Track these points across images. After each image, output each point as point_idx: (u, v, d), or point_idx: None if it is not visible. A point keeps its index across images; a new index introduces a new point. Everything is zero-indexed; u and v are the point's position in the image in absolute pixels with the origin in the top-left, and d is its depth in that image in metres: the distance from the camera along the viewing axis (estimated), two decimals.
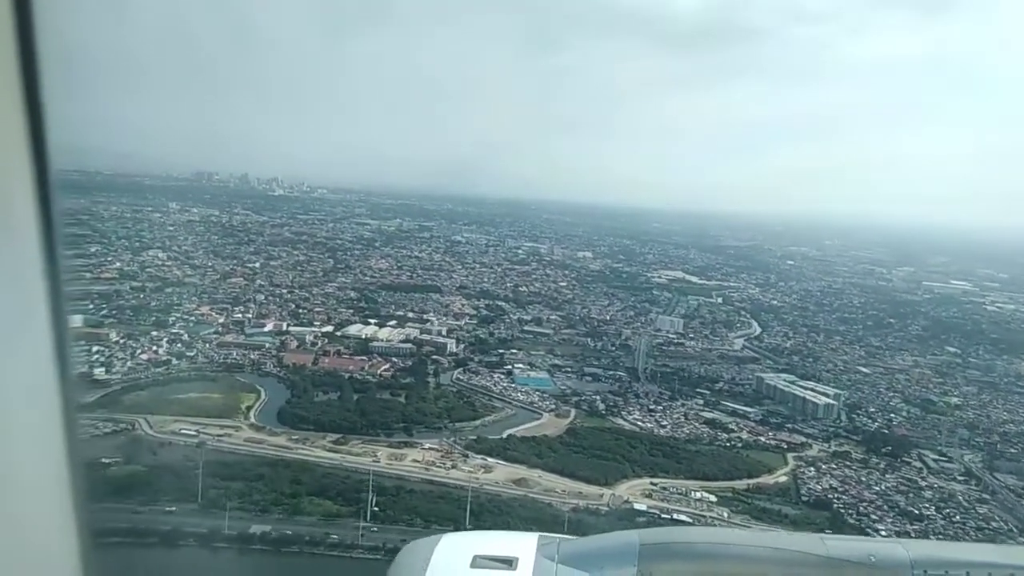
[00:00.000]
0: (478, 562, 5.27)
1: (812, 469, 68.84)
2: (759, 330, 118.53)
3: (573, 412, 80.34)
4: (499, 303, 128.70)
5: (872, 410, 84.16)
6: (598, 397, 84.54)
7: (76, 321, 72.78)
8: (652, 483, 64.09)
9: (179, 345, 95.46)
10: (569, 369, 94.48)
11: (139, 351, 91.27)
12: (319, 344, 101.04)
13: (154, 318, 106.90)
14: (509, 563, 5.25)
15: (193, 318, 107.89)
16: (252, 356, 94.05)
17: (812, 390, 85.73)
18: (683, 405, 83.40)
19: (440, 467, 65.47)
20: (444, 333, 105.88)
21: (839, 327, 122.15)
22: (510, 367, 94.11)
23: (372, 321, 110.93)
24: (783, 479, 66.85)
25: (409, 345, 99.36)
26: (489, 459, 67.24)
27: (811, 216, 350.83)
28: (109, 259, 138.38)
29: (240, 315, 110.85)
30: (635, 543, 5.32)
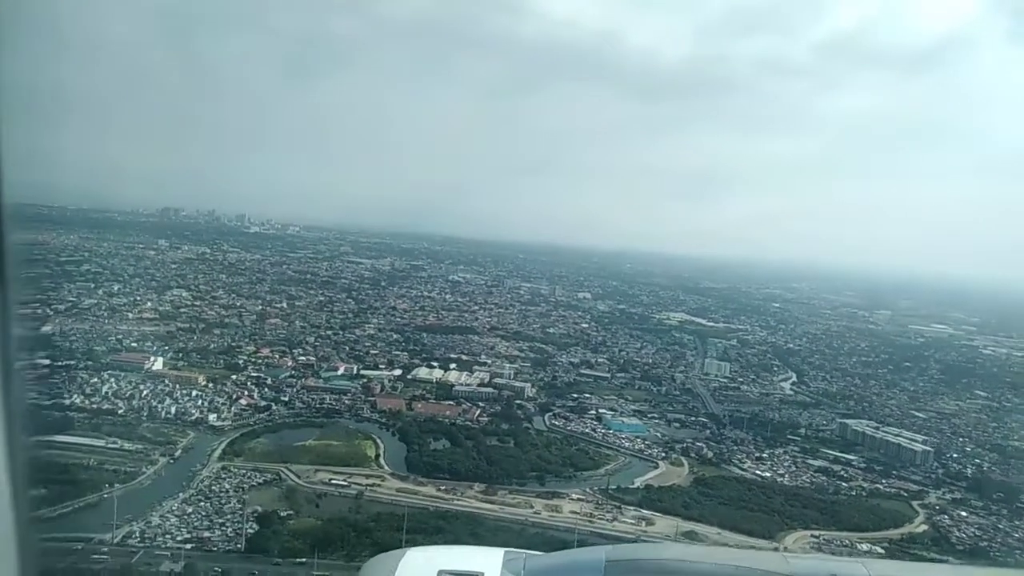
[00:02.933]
0: None
1: (945, 517, 69.16)
2: (793, 374, 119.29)
3: (685, 461, 79.32)
4: (538, 345, 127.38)
5: (955, 455, 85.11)
6: (702, 445, 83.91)
7: (157, 363, 69.64)
8: (813, 535, 63.50)
9: (267, 390, 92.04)
10: (654, 415, 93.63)
11: (235, 396, 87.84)
12: (398, 388, 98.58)
13: (222, 361, 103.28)
14: None
15: (260, 361, 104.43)
16: (345, 401, 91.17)
17: (899, 436, 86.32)
18: (784, 452, 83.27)
19: (601, 519, 63.90)
20: (512, 376, 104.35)
21: (864, 371, 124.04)
22: (593, 412, 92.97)
23: (435, 364, 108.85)
24: (925, 527, 66.94)
25: (489, 389, 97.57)
26: (642, 510, 65.93)
27: (768, 260, 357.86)
28: (137, 299, 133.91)
29: (303, 358, 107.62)
30: (601, 560, 5.13)
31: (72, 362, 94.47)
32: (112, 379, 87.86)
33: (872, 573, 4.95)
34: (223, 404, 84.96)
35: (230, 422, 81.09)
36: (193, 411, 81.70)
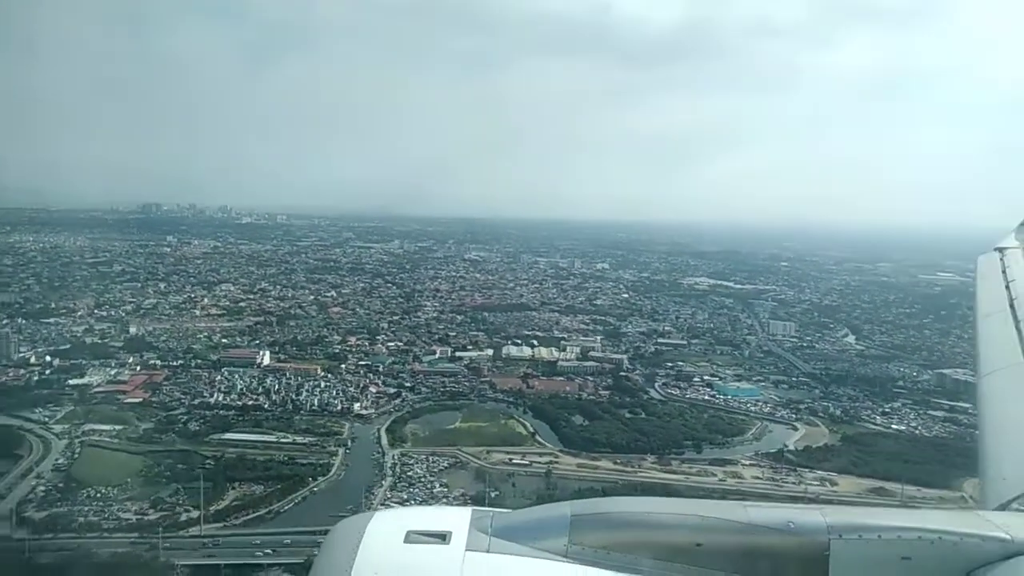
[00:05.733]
0: (412, 537, 5.16)
1: None
2: (847, 329, 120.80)
3: (818, 420, 79.90)
4: (597, 317, 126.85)
5: None
6: (827, 404, 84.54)
7: (266, 358, 68.86)
8: None
9: (384, 377, 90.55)
10: (758, 378, 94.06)
11: (361, 385, 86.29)
12: (500, 367, 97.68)
13: (319, 352, 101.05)
14: (443, 537, 5.17)
15: (355, 349, 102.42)
16: (463, 382, 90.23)
17: None
18: (901, 405, 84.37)
19: (785, 482, 64.25)
20: (602, 349, 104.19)
21: (910, 321, 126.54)
22: (698, 379, 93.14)
23: (519, 342, 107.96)
24: None
25: (591, 363, 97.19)
26: (816, 471, 66.32)
27: (751, 221, 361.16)
28: (192, 296, 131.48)
29: (392, 344, 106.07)
30: (567, 514, 5.31)
31: (182, 361, 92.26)
32: (235, 375, 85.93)
33: (828, 520, 5.08)
34: (356, 393, 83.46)
35: (373, 410, 79.56)
36: (335, 402, 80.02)
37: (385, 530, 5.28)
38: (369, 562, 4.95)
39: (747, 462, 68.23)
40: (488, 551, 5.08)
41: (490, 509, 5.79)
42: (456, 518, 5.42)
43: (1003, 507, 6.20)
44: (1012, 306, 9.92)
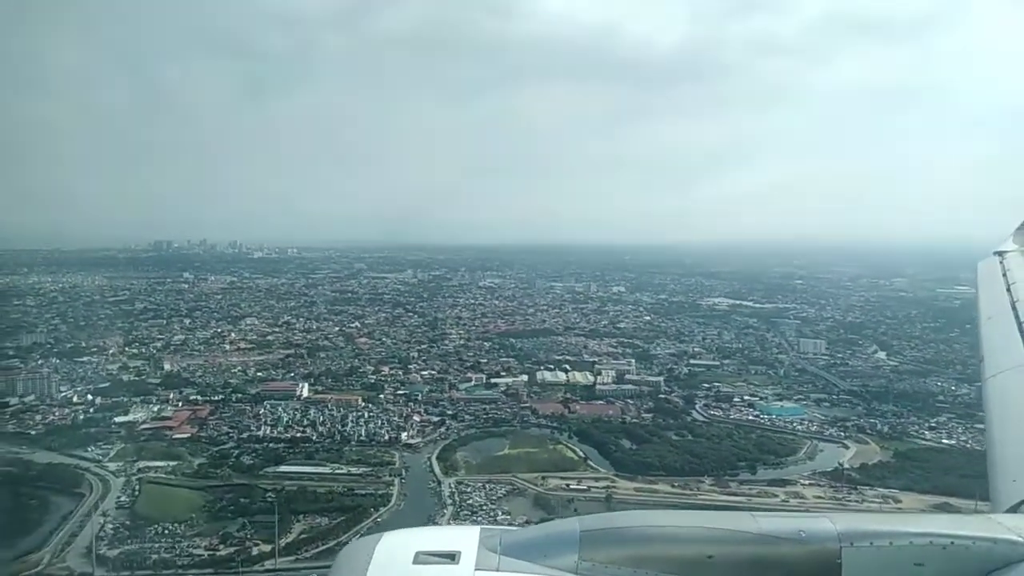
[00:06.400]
0: (420, 558, 5.15)
1: None
2: (876, 346, 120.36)
3: (867, 438, 79.01)
4: (625, 340, 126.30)
5: None
6: (874, 421, 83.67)
7: (304, 390, 68.47)
8: None
9: (425, 405, 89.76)
10: (799, 397, 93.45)
11: (405, 414, 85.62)
12: (538, 393, 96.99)
13: (356, 382, 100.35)
14: (452, 557, 5.16)
15: (390, 379, 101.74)
16: (505, 408, 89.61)
17: None
18: (947, 420, 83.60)
19: (847, 501, 63.40)
20: (634, 372, 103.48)
21: (937, 335, 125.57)
22: (738, 399, 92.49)
23: (552, 367, 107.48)
24: None
25: (629, 387, 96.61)
26: (877, 488, 65.42)
27: (755, 240, 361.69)
28: (219, 331, 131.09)
29: (426, 373, 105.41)
30: (576, 530, 5.30)
31: (222, 396, 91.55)
32: (278, 408, 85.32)
33: (839, 528, 5.08)
34: (400, 422, 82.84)
35: (420, 439, 78.85)
36: (381, 431, 79.36)
37: (394, 551, 5.28)
38: None
39: (806, 482, 67.29)
40: (498, 570, 5.08)
41: (499, 527, 5.80)
42: (465, 537, 5.42)
43: (1014, 509, 6.19)
44: (1014, 308, 10.01)
